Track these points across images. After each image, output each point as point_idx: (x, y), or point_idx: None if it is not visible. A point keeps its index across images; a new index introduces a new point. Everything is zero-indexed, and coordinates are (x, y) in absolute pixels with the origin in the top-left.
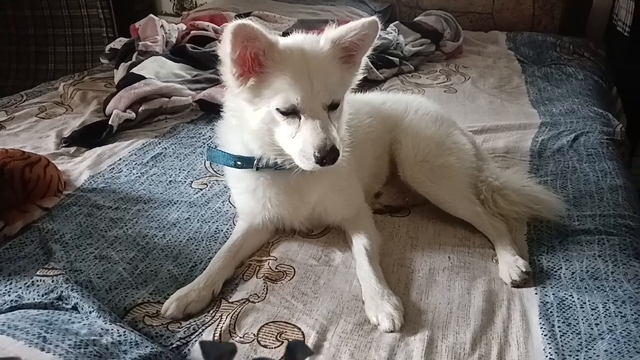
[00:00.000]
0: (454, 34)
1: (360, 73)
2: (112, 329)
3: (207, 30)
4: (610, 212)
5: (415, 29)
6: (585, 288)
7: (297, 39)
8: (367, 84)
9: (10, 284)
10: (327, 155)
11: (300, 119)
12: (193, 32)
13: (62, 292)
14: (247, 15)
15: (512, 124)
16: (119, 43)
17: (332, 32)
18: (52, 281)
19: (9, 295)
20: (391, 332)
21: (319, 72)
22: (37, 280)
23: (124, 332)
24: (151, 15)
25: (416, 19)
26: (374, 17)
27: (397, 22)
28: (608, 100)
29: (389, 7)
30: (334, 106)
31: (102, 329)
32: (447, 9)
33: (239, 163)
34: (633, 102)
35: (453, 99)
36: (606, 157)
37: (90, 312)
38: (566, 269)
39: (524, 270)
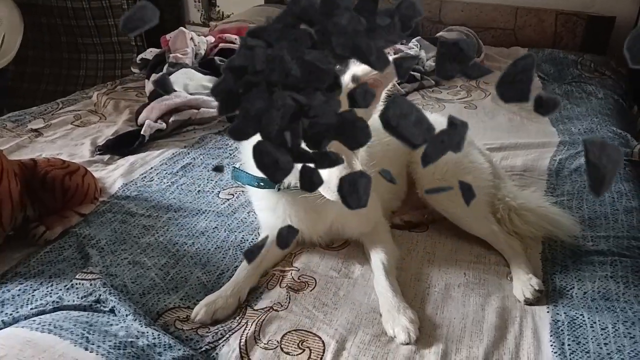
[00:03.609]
0: (475, 50)
1: (380, 106)
2: (147, 332)
3: (234, 43)
4: (624, 234)
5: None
6: (596, 308)
7: None
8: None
9: (52, 285)
10: None
11: None
12: (221, 45)
13: (100, 295)
14: None
15: (531, 142)
16: (150, 54)
17: (356, 68)
18: (91, 285)
19: (51, 297)
20: (407, 344)
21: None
22: (77, 283)
23: (158, 335)
24: (182, 27)
25: (438, 34)
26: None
27: (419, 37)
28: (627, 120)
29: None
30: None
31: (138, 331)
32: (469, 24)
33: (261, 184)
34: None
35: (473, 115)
36: (623, 179)
37: (126, 316)
38: (578, 289)
39: (537, 288)
